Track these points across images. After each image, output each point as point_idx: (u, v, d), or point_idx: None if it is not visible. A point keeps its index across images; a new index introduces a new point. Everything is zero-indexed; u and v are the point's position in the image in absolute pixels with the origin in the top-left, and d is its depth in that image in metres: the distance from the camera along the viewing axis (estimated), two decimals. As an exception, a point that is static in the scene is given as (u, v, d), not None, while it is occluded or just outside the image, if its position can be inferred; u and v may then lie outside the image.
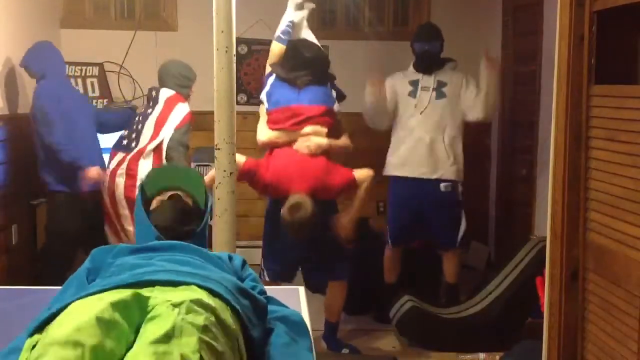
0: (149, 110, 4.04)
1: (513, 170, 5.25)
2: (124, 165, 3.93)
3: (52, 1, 5.21)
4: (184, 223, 2.03)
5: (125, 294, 1.56)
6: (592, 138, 2.39)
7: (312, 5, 4.11)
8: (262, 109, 3.87)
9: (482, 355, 3.82)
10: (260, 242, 3.92)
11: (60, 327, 1.46)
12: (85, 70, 5.14)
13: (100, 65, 5.26)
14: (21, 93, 4.47)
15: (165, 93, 4.05)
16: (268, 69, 3.96)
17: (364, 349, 3.98)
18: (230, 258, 2.02)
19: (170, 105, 4.00)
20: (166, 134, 3.96)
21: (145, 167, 3.90)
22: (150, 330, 1.47)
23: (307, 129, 3.70)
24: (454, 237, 4.29)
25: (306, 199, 3.46)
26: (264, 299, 1.89)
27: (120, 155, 4.02)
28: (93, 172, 4.00)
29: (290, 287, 2.92)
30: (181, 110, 4.01)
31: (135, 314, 1.53)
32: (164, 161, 3.94)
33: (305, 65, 3.85)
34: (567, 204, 2.47)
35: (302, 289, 2.56)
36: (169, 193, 2.09)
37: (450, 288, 4.42)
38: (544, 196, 2.96)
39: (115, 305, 1.50)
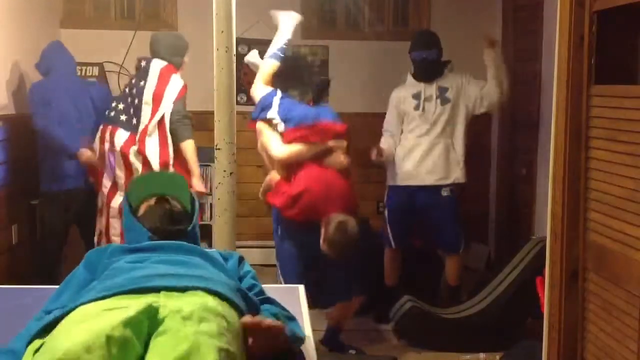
0: (142, 83, 3.98)
1: (513, 170, 5.25)
2: (135, 147, 3.91)
3: (52, 1, 5.21)
4: (174, 223, 2.04)
5: (134, 305, 1.54)
6: (592, 138, 2.38)
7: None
8: (263, 126, 3.72)
9: (482, 355, 3.82)
10: (260, 242, 3.92)
11: (67, 339, 1.45)
12: (85, 70, 5.13)
13: (100, 65, 5.25)
14: (21, 93, 4.47)
15: (157, 64, 3.99)
16: (262, 88, 3.83)
17: (364, 349, 3.98)
18: (225, 258, 2.02)
19: (164, 77, 3.96)
20: (166, 107, 3.91)
21: (151, 145, 3.88)
22: (164, 347, 1.47)
23: (332, 142, 3.65)
24: (459, 241, 4.30)
25: (350, 217, 3.42)
26: (258, 300, 1.89)
27: (124, 133, 3.96)
28: (83, 153, 4.06)
29: (290, 285, 2.91)
30: (176, 83, 3.97)
31: (145, 326, 1.53)
32: (169, 136, 3.92)
33: (307, 79, 3.87)
34: (567, 204, 2.47)
35: (301, 288, 2.55)
36: (154, 198, 2.11)
37: (451, 290, 4.42)
38: (544, 196, 2.96)
39: (128, 322, 1.50)
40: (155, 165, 3.88)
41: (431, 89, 4.24)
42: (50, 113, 4.11)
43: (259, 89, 3.84)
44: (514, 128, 5.23)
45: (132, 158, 3.92)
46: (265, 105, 3.73)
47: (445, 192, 4.24)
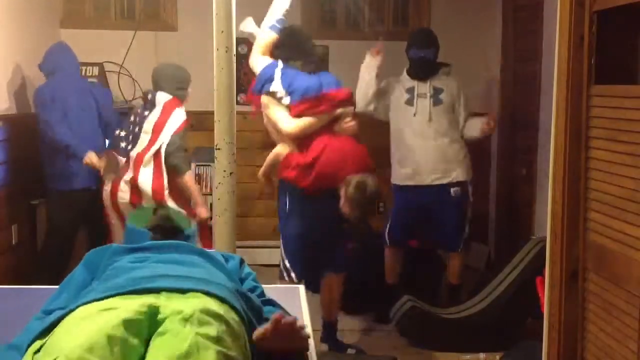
0: (146, 113, 4.00)
1: (513, 170, 5.25)
2: (128, 174, 3.92)
3: (52, 1, 5.21)
4: (172, 223, 2.08)
5: (134, 306, 1.55)
6: (592, 138, 2.38)
7: None
8: (269, 100, 3.65)
9: (482, 355, 3.82)
10: (259, 242, 3.91)
11: (68, 340, 1.45)
12: (85, 70, 5.13)
13: (100, 65, 5.26)
14: (22, 93, 4.48)
15: (163, 97, 4.00)
16: (261, 59, 3.73)
17: (364, 349, 3.98)
18: (225, 259, 2.02)
19: (168, 110, 3.97)
20: (164, 140, 3.92)
21: (145, 174, 3.88)
22: (164, 346, 1.47)
23: (339, 110, 3.64)
24: (460, 239, 4.30)
25: (368, 176, 3.43)
26: (260, 301, 1.89)
27: (120, 160, 4.01)
28: (91, 157, 4.07)
29: (290, 286, 2.92)
30: (179, 116, 3.98)
31: (145, 326, 1.53)
32: (164, 168, 3.92)
33: (310, 50, 3.82)
34: (567, 204, 2.47)
35: (302, 288, 2.56)
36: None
37: (453, 289, 4.42)
38: (544, 196, 2.96)
39: (128, 322, 1.50)
40: (148, 193, 3.85)
41: (425, 87, 4.24)
42: (56, 113, 4.12)
43: (258, 61, 3.75)
44: (514, 128, 5.23)
45: (122, 187, 3.91)
46: (267, 77, 3.67)
47: (454, 192, 4.24)
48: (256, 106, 3.81)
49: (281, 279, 3.72)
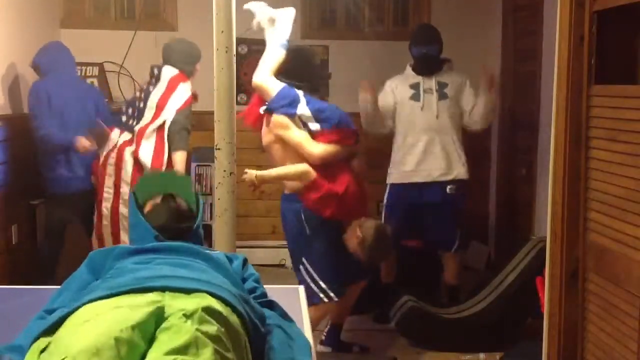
0: (151, 88, 4.00)
1: (513, 170, 5.25)
2: (132, 147, 3.91)
3: (52, 1, 5.21)
4: (180, 221, 2.06)
5: (141, 305, 1.55)
6: (592, 138, 2.39)
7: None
8: (288, 122, 3.50)
9: (482, 355, 3.82)
10: (259, 242, 3.90)
11: (75, 340, 1.45)
12: (85, 70, 5.13)
13: (100, 65, 5.25)
14: (22, 93, 4.47)
15: (168, 72, 4.00)
16: (273, 79, 3.55)
17: (368, 347, 3.98)
18: (230, 259, 2.02)
19: (172, 85, 3.95)
20: (167, 115, 3.91)
21: (146, 149, 3.87)
22: (165, 341, 1.49)
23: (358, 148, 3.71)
24: (453, 239, 4.29)
25: (381, 222, 3.53)
26: (261, 306, 1.89)
27: (126, 134, 3.99)
28: (82, 142, 4.01)
29: (290, 286, 2.91)
30: (183, 92, 3.96)
31: (151, 326, 1.54)
32: (166, 144, 3.91)
33: (318, 72, 3.92)
34: (567, 204, 2.47)
35: (301, 289, 2.56)
36: (161, 196, 2.14)
37: (452, 289, 4.42)
38: (544, 196, 2.96)
39: (136, 325, 1.51)
40: (148, 168, 3.86)
41: (430, 83, 4.22)
42: (51, 113, 4.09)
43: (271, 80, 3.57)
44: (514, 128, 5.23)
45: (126, 157, 3.91)
46: (292, 99, 3.53)
47: (449, 190, 4.23)
48: (258, 122, 3.70)
49: (315, 304, 3.54)
